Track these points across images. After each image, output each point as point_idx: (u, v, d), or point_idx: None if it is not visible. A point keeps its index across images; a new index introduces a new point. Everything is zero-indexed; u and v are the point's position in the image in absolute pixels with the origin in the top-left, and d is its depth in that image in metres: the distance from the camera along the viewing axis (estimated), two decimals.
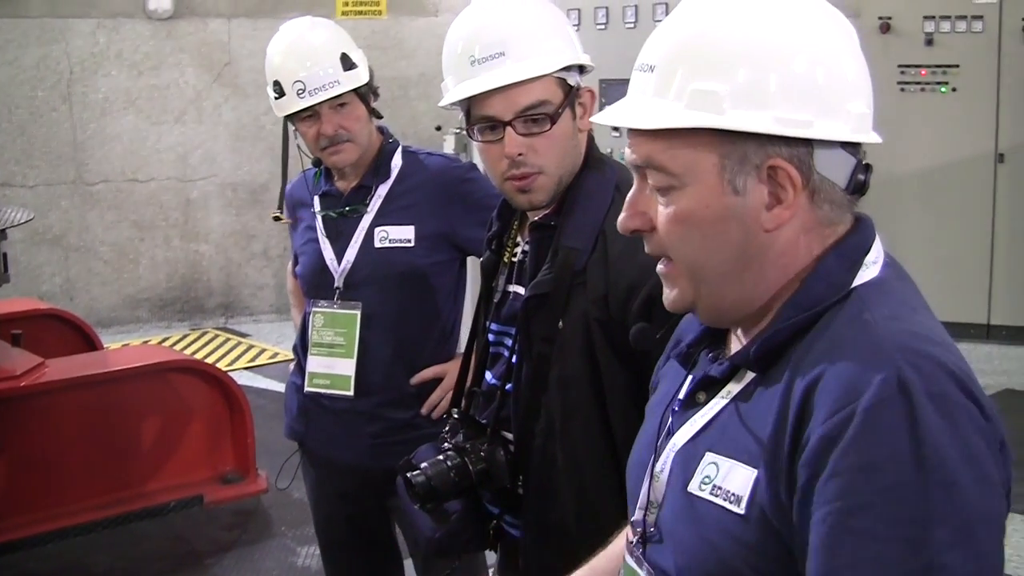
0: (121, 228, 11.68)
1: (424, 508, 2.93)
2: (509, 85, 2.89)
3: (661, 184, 1.87)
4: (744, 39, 1.83)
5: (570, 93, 2.95)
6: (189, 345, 11.08)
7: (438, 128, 10.19)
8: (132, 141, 11.59)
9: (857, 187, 1.89)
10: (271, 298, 12.21)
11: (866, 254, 1.87)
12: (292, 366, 4.45)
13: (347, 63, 4.03)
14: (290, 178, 4.45)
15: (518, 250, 3.15)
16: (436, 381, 4.08)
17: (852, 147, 1.87)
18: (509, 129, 2.91)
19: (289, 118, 4.13)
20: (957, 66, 10.19)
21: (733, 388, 1.90)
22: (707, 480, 1.84)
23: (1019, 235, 10.24)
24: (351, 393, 4.08)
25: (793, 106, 1.80)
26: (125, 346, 9.96)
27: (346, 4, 11.85)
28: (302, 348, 4.28)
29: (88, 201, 11.53)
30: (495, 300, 3.17)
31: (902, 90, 10.16)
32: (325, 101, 3.99)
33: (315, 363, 4.16)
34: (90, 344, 8.10)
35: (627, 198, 1.95)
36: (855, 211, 1.93)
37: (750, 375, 1.87)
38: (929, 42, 10.21)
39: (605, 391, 2.86)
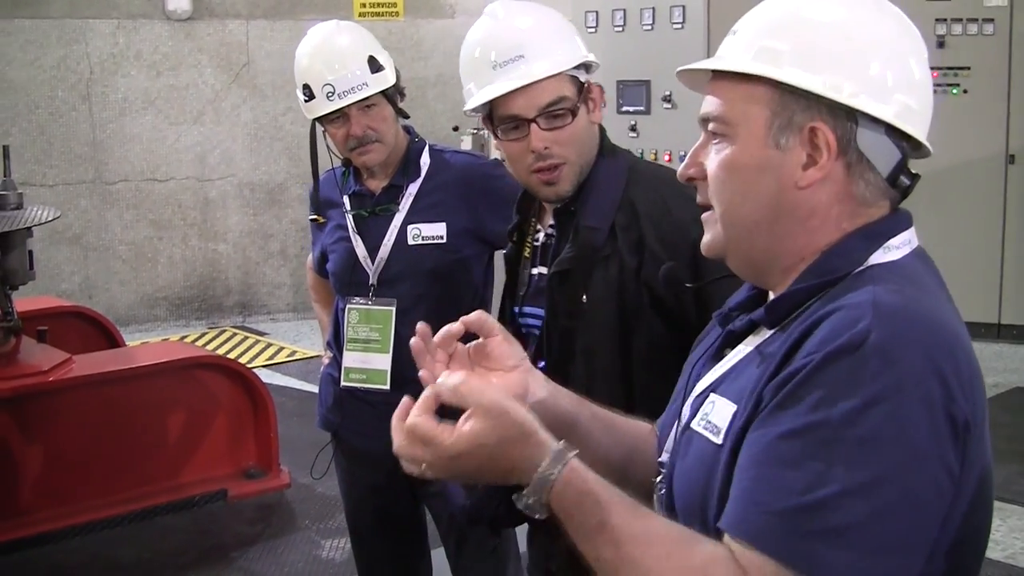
0: (140, 227, 11.79)
1: (464, 485, 3.02)
2: (529, 85, 3.10)
3: (717, 131, 2.02)
4: (818, 19, 1.99)
5: (582, 89, 3.16)
6: (207, 344, 11.16)
7: (455, 129, 10.29)
8: (151, 141, 11.71)
9: (897, 184, 2.01)
10: (288, 297, 12.32)
11: (891, 239, 1.98)
12: (324, 358, 4.54)
13: (374, 65, 4.13)
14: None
15: (540, 235, 3.33)
16: None
17: (900, 142, 1.99)
18: (533, 126, 3.12)
19: (318, 119, 4.21)
20: (968, 68, 10.29)
21: (752, 341, 2.05)
22: (704, 416, 2.01)
23: None
24: (388, 387, 4.18)
25: (844, 76, 1.94)
26: (144, 344, 10.04)
27: (363, 6, 11.96)
28: (336, 343, 4.38)
29: (107, 200, 11.64)
30: (522, 286, 3.33)
31: None
32: (354, 103, 4.08)
33: (351, 358, 4.26)
34: (112, 342, 8.21)
35: (691, 150, 2.10)
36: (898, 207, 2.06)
37: (767, 332, 2.02)
38: (941, 44, 10.27)
39: (631, 358, 3.08)
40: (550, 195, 3.21)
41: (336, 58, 4.12)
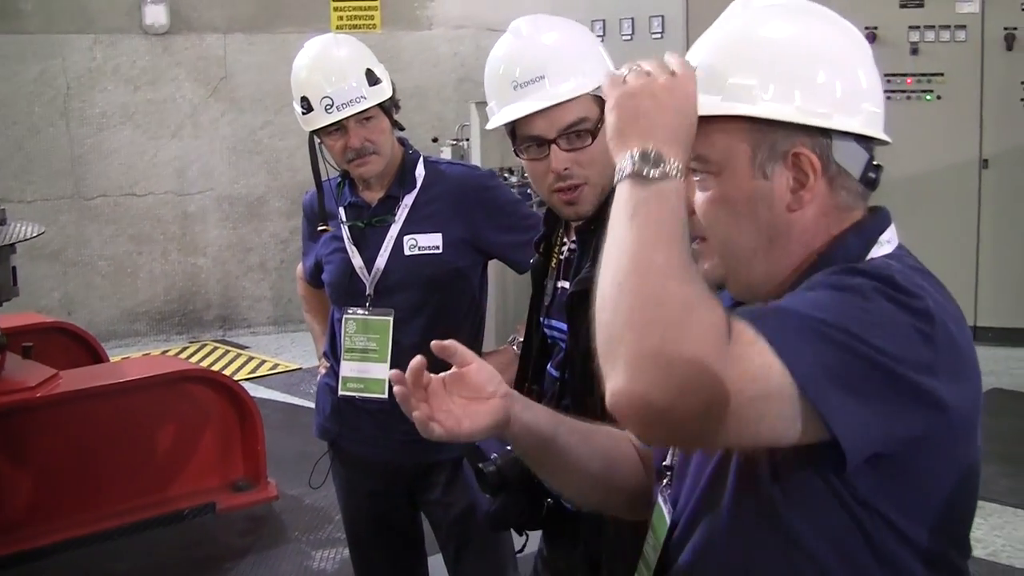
0: (119, 242, 11.79)
1: (494, 495, 3.05)
2: (551, 106, 3.10)
3: (701, 170, 2.09)
4: (775, 43, 2.09)
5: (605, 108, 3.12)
6: (189, 358, 11.11)
7: (434, 140, 10.32)
8: (129, 155, 11.72)
9: (869, 182, 2.14)
10: (268, 310, 12.33)
11: (881, 234, 2.12)
12: (320, 368, 4.57)
13: (372, 78, 4.18)
14: (308, 189, 4.54)
15: (564, 249, 3.35)
16: None
17: (865, 144, 2.11)
18: (554, 147, 3.13)
19: (315, 132, 4.25)
20: (942, 74, 10.38)
21: None
22: None
23: (1003, 238, 10.45)
24: (385, 396, 4.18)
25: (815, 101, 2.04)
26: (127, 358, 10.05)
27: (341, 19, 12.01)
28: (333, 353, 4.42)
29: (86, 215, 11.64)
30: (548, 298, 3.35)
31: (888, 98, 10.02)
32: (352, 116, 4.13)
33: (348, 368, 4.30)
34: (96, 357, 8.23)
35: None
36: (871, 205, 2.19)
37: None
38: (914, 51, 10.39)
39: None
40: (571, 214, 3.23)
41: (334, 71, 4.16)
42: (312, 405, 9.08)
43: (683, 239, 1.88)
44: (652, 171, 1.91)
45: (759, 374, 1.79)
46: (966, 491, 2.06)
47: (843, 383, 1.81)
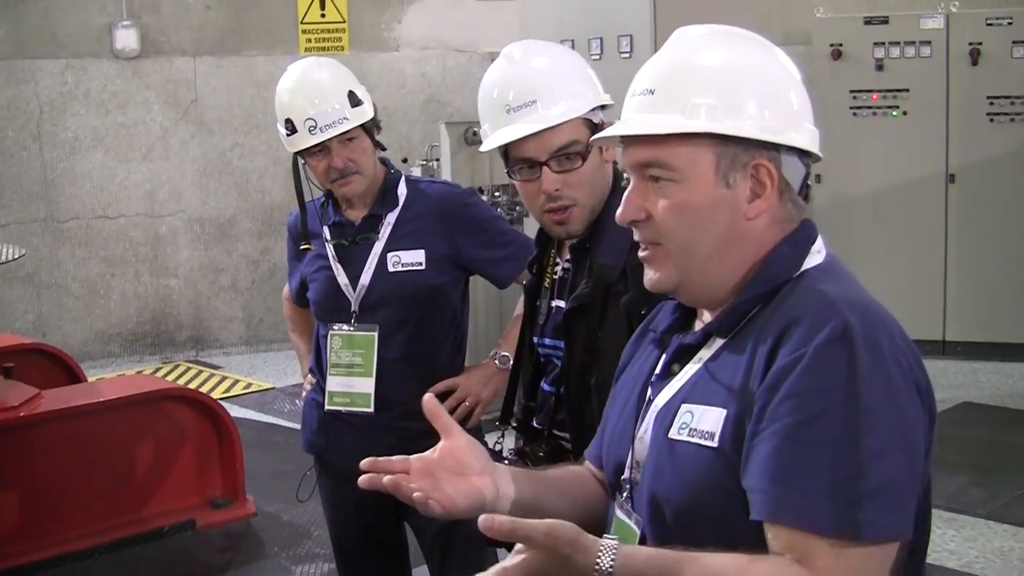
0: (91, 264, 11.83)
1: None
2: (543, 129, 3.20)
3: (663, 175, 2.23)
4: (729, 67, 2.27)
5: (595, 130, 3.20)
6: (163, 378, 11.11)
7: (404, 160, 10.37)
8: (101, 178, 11.76)
9: (805, 196, 2.30)
10: (240, 330, 12.37)
11: (812, 244, 2.26)
12: (306, 384, 4.61)
13: (354, 100, 4.26)
14: (292, 210, 4.62)
15: (558, 269, 3.44)
16: (449, 393, 4.29)
17: (803, 159, 2.27)
18: (545, 168, 3.22)
19: (299, 153, 4.32)
20: (907, 90, 10.51)
21: (704, 354, 2.28)
22: (684, 425, 2.20)
23: (971, 253, 10.55)
24: (371, 409, 4.30)
25: (770, 117, 2.21)
26: (102, 379, 10.06)
27: (309, 41, 12.08)
28: (319, 369, 4.49)
29: (59, 238, 11.68)
30: (542, 317, 3.43)
31: (854, 114, 10.44)
32: (335, 137, 4.20)
33: (335, 383, 4.37)
34: (73, 377, 8.21)
35: (624, 195, 2.31)
36: None
37: (719, 342, 2.26)
38: (880, 67, 10.52)
39: None
40: (561, 234, 3.32)
41: (317, 93, 4.24)
42: (287, 424, 9.22)
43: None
44: None
45: None
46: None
47: None
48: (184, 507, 6.93)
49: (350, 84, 4.31)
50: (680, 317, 2.42)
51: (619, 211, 2.30)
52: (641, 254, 2.31)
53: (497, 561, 4.36)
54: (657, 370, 2.38)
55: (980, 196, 10.49)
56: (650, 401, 2.34)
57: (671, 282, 2.28)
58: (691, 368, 2.28)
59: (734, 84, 2.22)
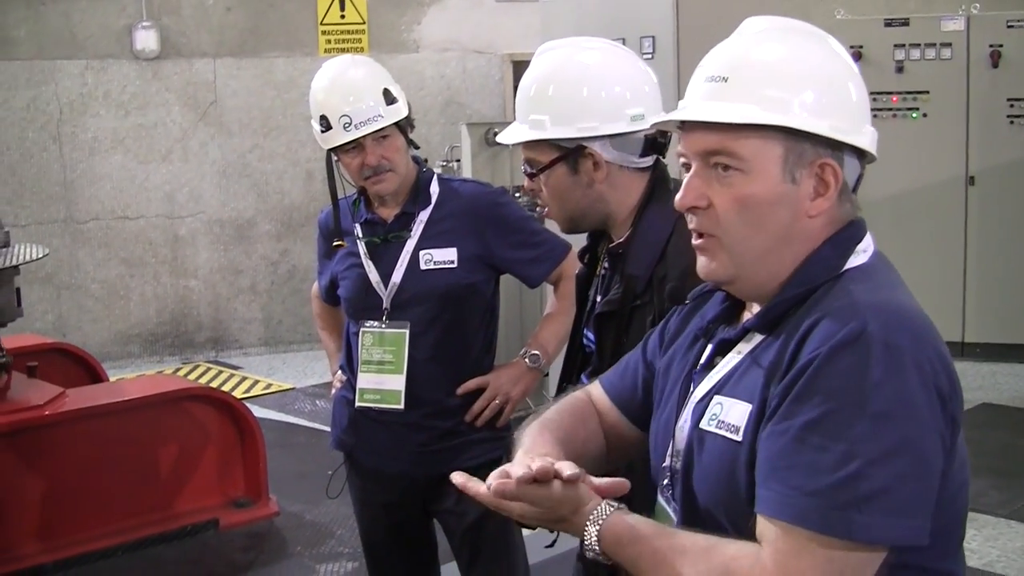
0: (111, 265, 11.88)
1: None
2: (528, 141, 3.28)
3: (729, 164, 2.21)
4: (804, 63, 2.25)
5: (569, 153, 3.22)
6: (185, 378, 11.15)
7: (425, 161, 10.35)
8: (121, 180, 11.81)
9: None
10: (259, 331, 12.39)
11: (857, 244, 2.24)
12: (336, 382, 4.63)
13: (389, 97, 4.25)
14: (324, 207, 4.63)
15: (605, 264, 3.43)
16: (479, 391, 4.32)
17: (860, 160, 2.27)
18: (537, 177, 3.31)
19: (332, 149, 4.32)
20: (927, 92, 10.51)
21: (743, 348, 2.28)
22: (714, 416, 2.23)
23: (990, 255, 10.56)
24: (402, 407, 4.29)
25: (840, 118, 2.19)
26: (122, 379, 10.07)
27: (328, 42, 12.07)
28: (349, 366, 4.50)
29: (78, 239, 11.72)
30: (587, 308, 3.45)
31: (875, 116, 10.18)
32: (369, 134, 4.20)
33: (365, 380, 4.36)
34: (95, 377, 8.26)
35: (686, 180, 2.28)
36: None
37: (758, 337, 2.25)
38: (900, 69, 10.52)
39: None
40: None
41: (352, 90, 4.23)
42: (309, 424, 9.23)
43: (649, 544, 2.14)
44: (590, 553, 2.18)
45: None
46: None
47: None
48: (207, 506, 6.95)
49: (385, 82, 4.30)
50: (728, 308, 2.42)
51: (679, 196, 2.28)
52: (695, 242, 2.30)
53: (526, 558, 4.40)
54: (702, 360, 2.40)
55: (1000, 198, 10.50)
56: (691, 392, 2.36)
57: (726, 274, 2.27)
58: (730, 360, 2.29)
59: (809, 80, 2.20)
